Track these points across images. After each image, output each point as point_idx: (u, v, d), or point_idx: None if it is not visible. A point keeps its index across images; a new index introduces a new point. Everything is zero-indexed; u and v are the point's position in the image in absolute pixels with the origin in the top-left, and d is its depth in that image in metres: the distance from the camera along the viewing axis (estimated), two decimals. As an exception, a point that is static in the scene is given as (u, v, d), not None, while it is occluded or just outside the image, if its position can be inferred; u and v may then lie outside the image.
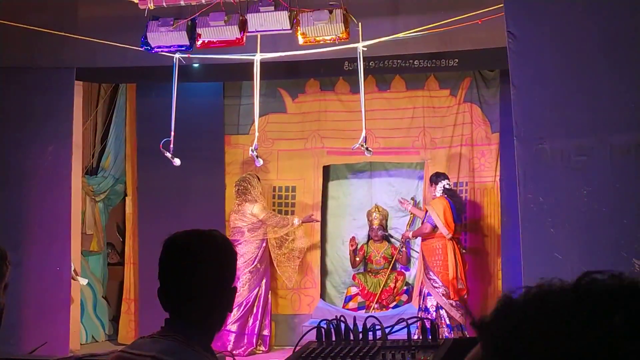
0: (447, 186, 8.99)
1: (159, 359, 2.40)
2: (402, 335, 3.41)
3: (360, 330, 3.44)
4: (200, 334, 2.54)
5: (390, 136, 10.04)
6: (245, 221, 9.32)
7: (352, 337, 3.44)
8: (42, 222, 8.20)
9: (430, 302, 8.73)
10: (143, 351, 2.46)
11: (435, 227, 8.84)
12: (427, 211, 9.09)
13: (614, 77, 5.56)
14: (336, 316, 3.51)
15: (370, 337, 3.45)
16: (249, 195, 9.33)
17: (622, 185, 5.45)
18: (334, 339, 3.48)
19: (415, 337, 3.37)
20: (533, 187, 5.64)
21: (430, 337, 3.38)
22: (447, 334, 8.39)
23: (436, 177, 9.13)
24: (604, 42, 5.60)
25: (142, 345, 2.52)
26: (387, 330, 3.48)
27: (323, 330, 3.51)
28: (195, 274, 2.54)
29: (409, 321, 3.39)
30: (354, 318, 3.57)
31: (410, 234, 9.56)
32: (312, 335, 3.51)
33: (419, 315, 8.66)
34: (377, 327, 3.48)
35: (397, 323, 3.53)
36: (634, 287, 1.02)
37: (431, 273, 8.78)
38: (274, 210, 10.03)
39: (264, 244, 9.44)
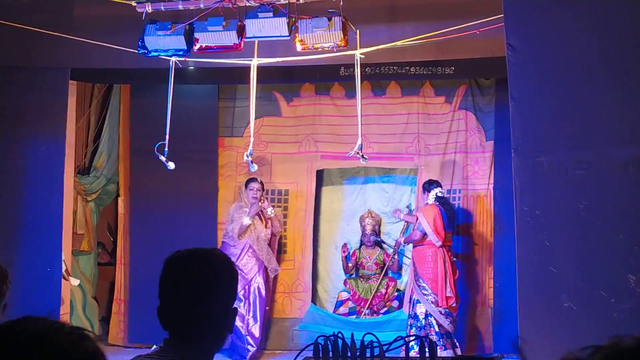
0: (439, 194, 8.96)
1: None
2: (400, 352, 3.40)
3: (358, 347, 3.42)
4: (200, 355, 2.53)
5: (385, 141, 10.03)
6: None
7: (349, 354, 3.41)
8: (33, 221, 8.15)
9: (420, 310, 8.71)
10: (142, 372, 2.44)
11: (425, 235, 8.81)
12: (417, 218, 9.07)
13: (613, 91, 5.56)
14: (334, 332, 3.49)
15: (368, 354, 3.43)
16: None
17: (619, 199, 5.45)
18: (331, 355, 3.46)
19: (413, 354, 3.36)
20: (529, 199, 5.63)
21: (428, 355, 3.37)
22: (436, 341, 8.36)
23: (429, 185, 9.08)
24: (604, 56, 5.60)
25: (141, 365, 2.50)
26: (384, 348, 3.46)
27: (320, 346, 3.49)
28: (197, 294, 2.52)
29: (408, 339, 3.37)
30: (352, 335, 3.55)
31: (401, 240, 9.58)
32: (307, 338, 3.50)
33: (409, 323, 8.68)
34: (375, 344, 3.46)
35: (395, 340, 3.51)
36: None
37: (421, 280, 8.75)
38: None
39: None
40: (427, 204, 8.99)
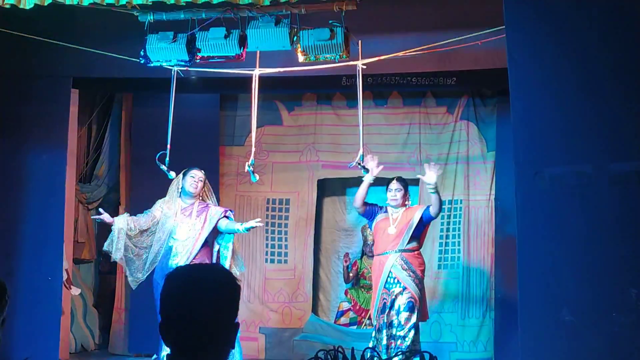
0: None
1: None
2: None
3: (359, 362, 3.42)
4: (203, 370, 2.53)
5: (386, 151, 10.01)
6: None
7: (350, 369, 3.41)
8: (34, 230, 8.17)
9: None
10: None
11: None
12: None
13: (614, 104, 5.55)
14: (334, 347, 3.49)
15: (369, 369, 3.42)
16: None
17: (620, 213, 5.43)
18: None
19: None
20: (531, 212, 5.62)
21: (429, 371, 3.36)
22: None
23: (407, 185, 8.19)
24: (605, 69, 5.59)
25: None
26: (385, 363, 3.45)
27: (321, 360, 3.48)
28: (199, 310, 2.52)
29: (408, 354, 3.37)
30: (352, 350, 3.54)
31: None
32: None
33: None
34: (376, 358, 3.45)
35: (396, 355, 3.50)
36: None
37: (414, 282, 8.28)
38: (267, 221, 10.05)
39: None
40: (409, 205, 8.11)
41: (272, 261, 10.17)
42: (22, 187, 8.16)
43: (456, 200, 9.80)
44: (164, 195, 7.85)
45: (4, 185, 8.10)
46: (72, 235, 9.55)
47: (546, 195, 5.60)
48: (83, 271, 10.21)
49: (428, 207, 7.83)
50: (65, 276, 8.65)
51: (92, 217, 7.62)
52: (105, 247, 7.59)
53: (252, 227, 7.67)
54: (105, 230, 10.43)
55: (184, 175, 7.73)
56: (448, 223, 9.81)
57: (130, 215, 7.74)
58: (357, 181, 10.01)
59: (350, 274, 9.87)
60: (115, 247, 7.52)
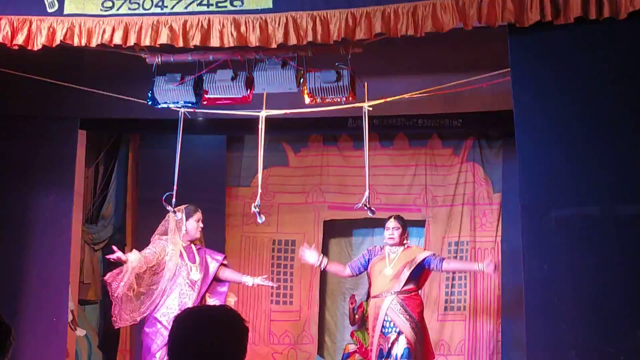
0: None
1: None
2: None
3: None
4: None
5: (392, 193, 10.04)
6: None
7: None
8: (40, 271, 8.13)
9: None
10: None
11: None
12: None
13: (620, 147, 5.57)
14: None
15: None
16: None
17: (628, 256, 5.44)
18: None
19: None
20: (537, 254, 5.62)
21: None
22: None
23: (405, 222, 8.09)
24: (611, 111, 5.62)
25: None
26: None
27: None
28: (208, 352, 2.52)
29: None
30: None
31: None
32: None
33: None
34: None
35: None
36: None
37: (411, 325, 8.09)
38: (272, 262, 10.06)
39: None
40: (408, 245, 8.01)
41: (278, 302, 10.14)
42: (29, 228, 8.15)
43: (462, 242, 9.78)
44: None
45: (11, 226, 8.09)
46: (77, 276, 9.52)
47: (553, 237, 5.60)
48: (88, 312, 10.17)
49: (433, 255, 7.81)
50: (70, 317, 8.62)
51: (106, 256, 7.54)
52: (109, 278, 7.49)
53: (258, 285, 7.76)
54: (110, 271, 10.46)
55: (188, 216, 7.74)
56: (455, 265, 9.78)
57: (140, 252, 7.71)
58: (364, 222, 10.05)
59: (356, 316, 9.79)
60: (123, 282, 7.45)
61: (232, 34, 6.06)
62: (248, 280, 7.80)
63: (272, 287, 7.76)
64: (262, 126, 7.47)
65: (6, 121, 8.06)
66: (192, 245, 7.82)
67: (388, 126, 9.19)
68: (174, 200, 7.43)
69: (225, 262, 7.95)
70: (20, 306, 7.84)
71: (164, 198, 7.39)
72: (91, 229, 10.15)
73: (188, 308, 2.64)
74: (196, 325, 2.57)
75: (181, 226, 7.74)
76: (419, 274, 7.78)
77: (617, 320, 5.38)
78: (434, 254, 7.86)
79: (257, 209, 7.36)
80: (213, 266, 7.80)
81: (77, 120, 8.42)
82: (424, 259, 7.74)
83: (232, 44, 6.11)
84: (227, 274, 7.92)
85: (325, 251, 10.33)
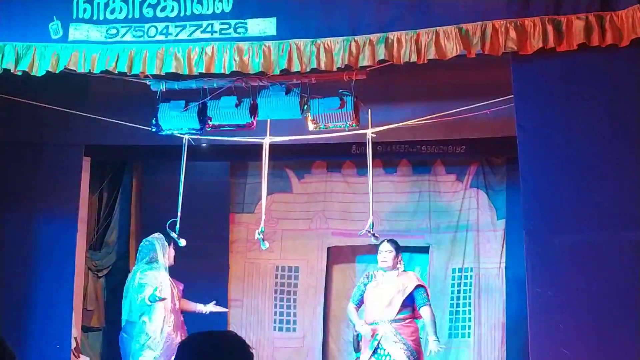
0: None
1: None
2: None
3: None
4: None
5: (396, 219, 10.03)
6: None
7: None
8: (44, 297, 8.12)
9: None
10: None
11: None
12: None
13: (624, 172, 5.58)
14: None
15: None
16: None
17: (632, 282, 5.42)
18: None
19: None
20: (542, 281, 5.61)
21: None
22: None
23: (397, 245, 8.01)
24: (614, 137, 5.63)
25: None
26: None
27: None
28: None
29: None
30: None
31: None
32: None
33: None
34: None
35: None
36: None
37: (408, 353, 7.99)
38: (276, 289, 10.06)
39: None
40: (403, 269, 7.95)
41: (281, 329, 10.11)
42: (32, 254, 8.14)
43: (466, 268, 9.75)
44: (174, 263, 7.97)
45: (15, 252, 8.09)
46: (81, 303, 9.51)
47: (557, 263, 5.60)
48: (92, 339, 10.15)
49: (424, 291, 7.75)
50: (73, 344, 8.59)
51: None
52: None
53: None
54: (115, 297, 10.46)
55: (164, 246, 7.93)
56: (458, 291, 9.76)
57: None
58: (368, 249, 10.01)
59: (360, 343, 9.74)
60: None
61: (235, 60, 6.08)
62: (201, 308, 7.97)
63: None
64: (265, 153, 7.49)
65: (11, 148, 8.08)
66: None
67: (392, 153, 9.19)
68: (177, 226, 7.43)
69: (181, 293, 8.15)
70: (24, 333, 7.83)
71: (168, 224, 7.40)
72: (95, 255, 10.15)
73: (193, 334, 2.63)
74: (201, 352, 2.56)
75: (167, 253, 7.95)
76: (413, 301, 7.74)
77: (621, 347, 5.36)
78: (425, 290, 7.78)
79: (261, 236, 7.36)
80: (177, 294, 7.96)
81: (81, 147, 8.43)
82: (414, 289, 7.70)
83: (235, 69, 6.12)
84: (183, 304, 8.17)
85: (328, 278, 10.31)
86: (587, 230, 5.57)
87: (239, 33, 6.15)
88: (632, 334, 5.37)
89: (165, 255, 7.98)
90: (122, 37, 6.33)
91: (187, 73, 6.23)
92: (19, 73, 6.45)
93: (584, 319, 5.49)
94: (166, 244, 7.93)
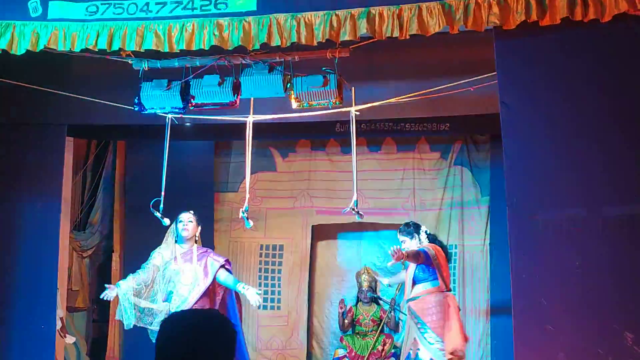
0: (427, 231, 8.20)
1: None
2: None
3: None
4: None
5: (380, 197, 10.05)
6: None
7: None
8: (28, 278, 8.10)
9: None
10: None
11: (425, 256, 7.81)
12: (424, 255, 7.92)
13: (606, 148, 5.58)
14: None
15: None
16: None
17: (614, 257, 5.44)
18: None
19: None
20: (525, 257, 5.62)
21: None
22: None
23: (415, 228, 8.14)
24: (597, 113, 5.63)
25: None
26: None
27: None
28: (195, 356, 2.50)
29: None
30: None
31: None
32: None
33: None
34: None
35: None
36: None
37: (429, 331, 7.85)
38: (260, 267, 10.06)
39: None
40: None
41: (265, 307, 10.12)
42: (16, 235, 8.11)
43: (451, 245, 9.77)
44: (159, 243, 7.85)
45: (-2, 234, 8.08)
46: (66, 283, 9.48)
47: (540, 239, 5.61)
48: (77, 319, 10.14)
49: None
50: (59, 325, 8.57)
51: (101, 297, 7.51)
52: (117, 316, 7.51)
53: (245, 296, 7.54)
54: (100, 277, 10.45)
55: (176, 221, 7.76)
56: (443, 268, 9.78)
57: (133, 274, 7.68)
58: (352, 226, 10.04)
59: (346, 321, 9.80)
60: (125, 314, 7.44)
61: (214, 35, 6.04)
62: (240, 287, 7.60)
63: (256, 304, 7.56)
64: (249, 131, 7.45)
65: (-7, 128, 8.05)
66: (194, 247, 7.78)
67: (376, 130, 9.17)
68: (161, 206, 7.40)
69: (227, 266, 7.79)
70: (8, 314, 7.81)
71: (151, 204, 7.37)
72: (79, 236, 10.12)
73: (175, 312, 2.62)
74: (183, 329, 2.56)
75: (174, 234, 7.78)
76: (423, 274, 7.77)
77: (605, 322, 5.38)
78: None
79: (246, 214, 7.34)
80: (213, 268, 7.69)
81: (64, 127, 8.37)
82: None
83: (214, 44, 6.08)
84: (224, 276, 7.67)
85: (313, 256, 10.33)
86: (570, 207, 5.58)
87: (219, 9, 6.12)
88: (615, 309, 5.39)
89: (170, 233, 7.83)
90: (102, 14, 6.27)
91: (167, 50, 6.19)
92: (-1, 52, 6.40)
93: (568, 294, 5.51)
94: (174, 223, 7.77)
